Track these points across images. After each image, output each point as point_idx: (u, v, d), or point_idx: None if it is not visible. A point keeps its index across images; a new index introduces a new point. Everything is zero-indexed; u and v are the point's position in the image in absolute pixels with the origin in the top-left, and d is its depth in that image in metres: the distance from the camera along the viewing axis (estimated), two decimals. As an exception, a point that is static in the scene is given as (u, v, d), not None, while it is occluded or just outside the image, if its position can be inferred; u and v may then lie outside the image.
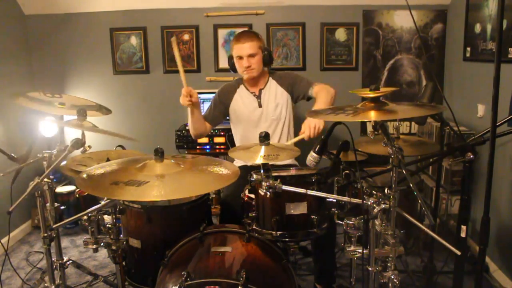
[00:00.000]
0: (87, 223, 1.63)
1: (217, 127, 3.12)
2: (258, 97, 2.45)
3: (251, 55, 2.32)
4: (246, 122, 2.47)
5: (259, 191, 1.63)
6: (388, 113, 1.39)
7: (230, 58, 2.44)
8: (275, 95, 2.46)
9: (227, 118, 2.56)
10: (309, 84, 2.41)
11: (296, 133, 2.54)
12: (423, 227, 1.40)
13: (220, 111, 2.50)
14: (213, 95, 2.55)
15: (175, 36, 2.13)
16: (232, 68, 2.46)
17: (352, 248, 1.51)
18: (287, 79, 2.48)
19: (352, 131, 1.56)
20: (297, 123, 2.60)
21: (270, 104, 2.44)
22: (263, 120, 2.44)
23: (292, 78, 2.48)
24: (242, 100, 2.47)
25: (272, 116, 2.44)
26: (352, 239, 1.50)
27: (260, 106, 2.44)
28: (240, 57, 2.34)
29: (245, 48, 2.31)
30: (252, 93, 2.47)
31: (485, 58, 2.71)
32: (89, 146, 1.67)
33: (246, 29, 3.42)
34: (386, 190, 1.37)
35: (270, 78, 2.49)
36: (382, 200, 1.35)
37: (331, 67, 3.49)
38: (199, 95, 3.58)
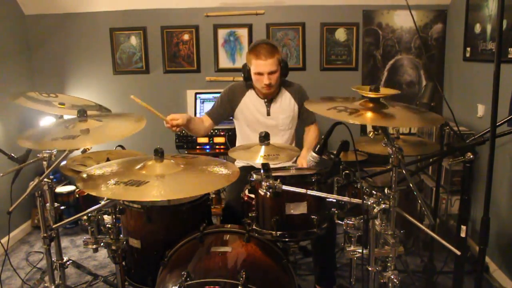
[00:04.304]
0: (87, 223, 1.63)
1: (217, 127, 3.11)
2: (268, 105, 2.41)
3: (271, 72, 2.26)
4: (251, 126, 2.43)
5: (259, 191, 1.62)
6: (386, 118, 1.36)
7: (246, 68, 2.36)
8: (288, 106, 2.43)
9: (231, 118, 2.53)
10: (312, 118, 2.49)
11: (296, 139, 2.56)
12: (423, 227, 1.40)
13: (225, 110, 2.45)
14: (214, 95, 2.54)
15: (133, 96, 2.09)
16: (247, 78, 2.38)
17: (352, 248, 1.51)
18: (302, 94, 2.47)
19: (352, 131, 1.55)
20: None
21: (280, 115, 2.41)
22: (269, 128, 2.32)
23: (305, 97, 2.47)
24: (251, 103, 2.42)
25: (281, 126, 2.42)
26: (352, 239, 1.50)
27: (268, 114, 2.41)
28: (260, 74, 2.27)
29: (267, 65, 2.23)
30: (263, 99, 2.42)
31: (485, 58, 2.71)
32: (89, 147, 1.67)
33: (246, 29, 3.42)
34: (386, 190, 1.37)
35: (283, 89, 2.45)
36: (382, 200, 1.35)
37: (331, 67, 3.49)
38: (199, 95, 3.57)
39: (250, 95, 2.44)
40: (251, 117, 2.43)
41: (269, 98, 2.42)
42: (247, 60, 2.36)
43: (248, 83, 2.44)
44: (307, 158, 1.72)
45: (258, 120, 2.42)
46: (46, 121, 3.36)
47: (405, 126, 1.45)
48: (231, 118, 2.54)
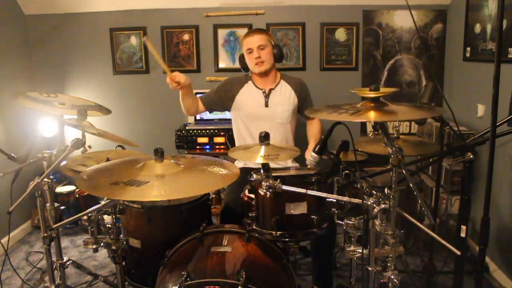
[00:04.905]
0: (87, 223, 1.63)
1: (217, 127, 3.12)
2: (267, 96, 2.41)
3: (261, 47, 2.32)
4: (248, 117, 2.43)
5: (259, 191, 1.62)
6: (387, 114, 1.39)
7: (241, 57, 2.45)
8: (287, 98, 2.44)
9: (224, 110, 2.54)
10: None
11: (296, 139, 2.55)
12: (423, 227, 1.40)
13: (220, 98, 2.46)
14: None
15: (146, 36, 2.18)
16: (243, 66, 2.45)
17: (352, 248, 1.52)
18: (303, 88, 2.49)
19: (352, 131, 1.55)
20: (299, 125, 2.60)
21: (279, 106, 2.41)
22: (267, 120, 2.39)
23: (306, 92, 2.51)
24: (249, 94, 2.43)
25: (278, 119, 2.41)
26: (352, 239, 1.50)
27: (266, 105, 2.42)
28: (250, 50, 2.33)
29: (255, 40, 2.32)
30: (261, 89, 2.43)
31: (485, 58, 2.71)
32: (89, 146, 1.67)
33: (246, 29, 3.42)
34: (386, 190, 1.37)
35: (283, 81, 2.46)
36: (382, 200, 1.35)
37: (331, 67, 3.49)
38: (199, 95, 3.59)
39: (249, 86, 2.45)
40: (249, 108, 2.43)
41: (268, 89, 2.43)
42: (241, 46, 2.43)
43: (246, 75, 2.46)
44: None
45: (256, 111, 2.41)
46: (46, 122, 3.35)
47: (407, 118, 1.47)
48: (228, 115, 2.54)
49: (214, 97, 2.47)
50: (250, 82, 2.46)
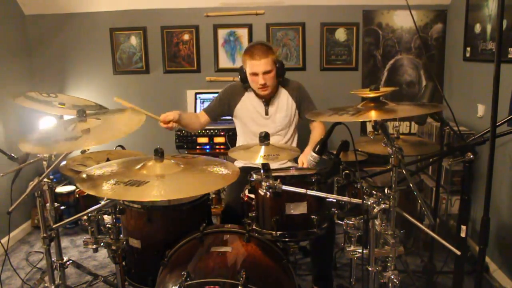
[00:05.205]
0: (87, 223, 1.63)
1: (217, 127, 3.12)
2: (266, 104, 2.42)
3: (266, 72, 2.27)
4: (249, 125, 2.44)
5: (259, 191, 1.63)
6: (388, 112, 1.39)
7: (242, 71, 2.37)
8: (286, 105, 2.43)
9: (230, 117, 2.55)
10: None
11: (300, 142, 2.55)
12: (423, 227, 1.40)
13: (223, 109, 2.48)
14: (214, 95, 2.54)
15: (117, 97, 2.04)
16: (244, 80, 2.39)
17: (352, 248, 1.51)
18: (300, 92, 2.46)
19: (352, 131, 1.55)
20: (301, 129, 2.60)
21: (278, 114, 2.41)
22: (267, 127, 2.38)
23: (304, 94, 2.47)
24: (250, 103, 2.43)
25: (278, 126, 2.42)
26: (352, 239, 1.50)
27: (266, 113, 2.42)
28: (255, 74, 2.28)
29: (261, 65, 2.24)
30: (260, 99, 2.42)
31: (485, 58, 2.71)
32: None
33: (246, 29, 3.43)
34: (386, 190, 1.37)
35: (281, 87, 2.45)
36: (382, 200, 1.35)
37: (331, 67, 3.49)
38: (199, 95, 3.57)
39: (249, 95, 2.45)
40: (250, 117, 2.44)
41: (267, 98, 2.42)
42: (242, 61, 2.37)
43: (246, 84, 2.44)
44: (308, 156, 1.74)
45: (257, 119, 2.43)
46: (46, 122, 3.36)
47: (407, 115, 1.47)
48: (230, 117, 2.54)
49: (218, 108, 2.48)
50: (250, 90, 2.45)
